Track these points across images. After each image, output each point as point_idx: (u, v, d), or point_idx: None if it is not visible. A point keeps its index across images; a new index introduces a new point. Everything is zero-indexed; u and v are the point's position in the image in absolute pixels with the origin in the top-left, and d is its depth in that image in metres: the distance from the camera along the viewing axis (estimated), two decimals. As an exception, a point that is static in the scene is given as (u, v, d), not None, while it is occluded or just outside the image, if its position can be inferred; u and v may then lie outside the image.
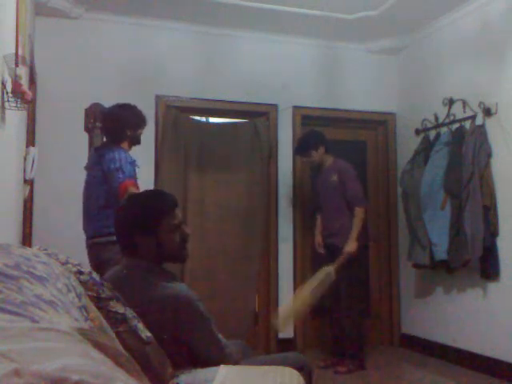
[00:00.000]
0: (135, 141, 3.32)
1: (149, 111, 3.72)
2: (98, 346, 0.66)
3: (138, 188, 3.06)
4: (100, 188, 3.14)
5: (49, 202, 4.08)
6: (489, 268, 3.86)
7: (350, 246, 4.00)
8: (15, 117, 2.53)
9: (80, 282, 1.20)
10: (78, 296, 1.01)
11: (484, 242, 3.79)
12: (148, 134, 3.97)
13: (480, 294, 4.01)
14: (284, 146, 4.80)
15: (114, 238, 2.06)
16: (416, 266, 4.50)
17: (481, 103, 4.01)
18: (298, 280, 4.72)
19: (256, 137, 4.72)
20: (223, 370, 1.76)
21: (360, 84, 5.03)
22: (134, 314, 1.50)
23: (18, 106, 2.17)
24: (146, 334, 1.50)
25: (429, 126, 4.60)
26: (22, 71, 2.40)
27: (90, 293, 1.29)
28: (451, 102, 4.34)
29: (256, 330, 4.66)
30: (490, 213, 3.83)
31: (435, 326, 4.48)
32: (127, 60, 4.43)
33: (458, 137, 4.14)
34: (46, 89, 4.13)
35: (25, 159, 3.06)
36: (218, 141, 4.66)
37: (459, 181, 3.99)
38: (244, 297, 4.56)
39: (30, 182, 3.44)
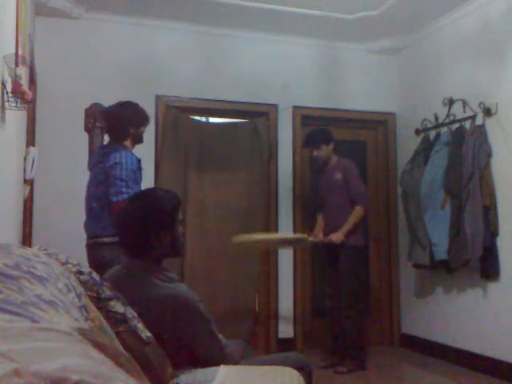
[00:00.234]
0: (138, 139, 3.31)
1: (149, 111, 3.71)
2: (98, 345, 0.66)
3: None
4: (103, 186, 3.12)
5: (49, 202, 4.08)
6: (489, 268, 3.86)
7: (336, 236, 4.04)
8: (15, 117, 2.53)
9: (80, 282, 1.20)
10: (78, 296, 1.01)
11: (484, 242, 3.79)
12: (148, 134, 3.96)
13: (480, 294, 4.01)
14: (284, 146, 4.81)
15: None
16: (416, 265, 4.50)
17: (481, 103, 4.01)
18: (298, 280, 4.73)
19: (256, 137, 4.72)
20: (223, 370, 1.76)
21: (360, 84, 5.03)
22: (134, 314, 1.50)
23: (18, 105, 2.17)
24: (145, 334, 1.50)
25: (429, 126, 4.60)
26: (22, 71, 2.40)
27: (89, 293, 1.29)
28: (451, 101, 4.34)
29: (256, 329, 4.66)
30: (490, 213, 3.83)
31: (435, 326, 4.48)
32: (127, 60, 4.43)
33: (458, 137, 4.14)
34: (46, 89, 4.13)
35: (25, 159, 3.05)
36: (218, 141, 4.66)
37: (459, 181, 3.99)
38: (244, 297, 4.56)
39: (30, 182, 3.44)
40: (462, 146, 4.06)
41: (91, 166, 3.36)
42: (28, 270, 0.88)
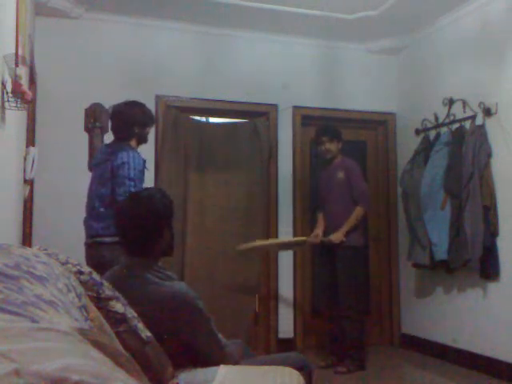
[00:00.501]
0: (143, 139, 3.30)
1: (149, 111, 3.72)
2: (98, 345, 0.66)
3: None
4: (108, 185, 3.10)
5: (49, 202, 4.08)
6: (489, 268, 3.86)
7: (336, 237, 4.05)
8: (15, 117, 2.53)
9: (80, 282, 1.20)
10: (78, 296, 1.01)
11: (484, 242, 3.79)
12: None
13: (480, 294, 4.01)
14: (284, 146, 4.81)
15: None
16: (416, 265, 4.51)
17: (481, 103, 4.01)
18: (298, 280, 4.73)
19: (256, 137, 4.72)
20: (223, 369, 1.76)
21: (360, 84, 5.03)
22: (134, 314, 1.50)
23: (18, 105, 2.17)
24: (145, 333, 1.50)
25: (429, 126, 4.60)
26: (22, 71, 2.40)
27: (89, 293, 1.29)
28: (451, 102, 4.34)
29: (256, 329, 4.66)
30: (490, 213, 3.83)
31: (435, 326, 4.48)
32: (127, 60, 4.43)
33: (458, 137, 4.14)
34: (45, 89, 4.12)
35: (25, 159, 3.05)
36: (218, 141, 4.66)
37: (459, 181, 3.99)
38: (244, 297, 4.56)
39: (30, 182, 3.44)
40: (461, 146, 4.06)
41: (95, 164, 3.33)
42: (28, 270, 0.88)
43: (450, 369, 4.13)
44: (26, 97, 2.16)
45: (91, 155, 4.24)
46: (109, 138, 4.02)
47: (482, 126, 3.99)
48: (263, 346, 4.62)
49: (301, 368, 1.93)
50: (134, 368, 0.74)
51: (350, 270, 4.07)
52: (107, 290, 1.41)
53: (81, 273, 1.33)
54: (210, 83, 4.64)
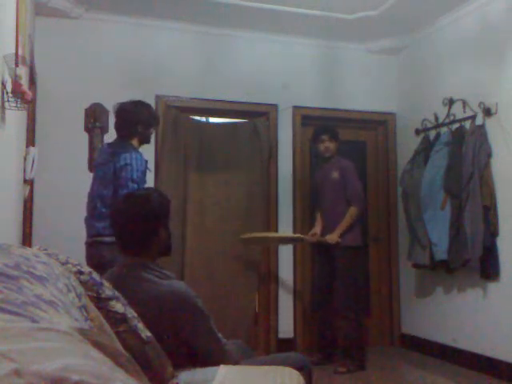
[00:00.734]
0: (145, 139, 3.30)
1: (149, 111, 3.72)
2: (98, 346, 0.66)
3: None
4: (110, 187, 3.10)
5: (49, 202, 4.08)
6: (489, 268, 3.86)
7: (331, 238, 4.10)
8: (15, 117, 2.53)
9: (80, 282, 1.20)
10: (78, 296, 1.01)
11: (484, 242, 3.79)
12: (148, 134, 3.97)
13: (480, 294, 4.01)
14: (284, 146, 4.81)
15: None
16: (416, 265, 4.51)
17: (481, 103, 4.01)
18: (298, 280, 4.73)
19: (256, 137, 4.72)
20: (223, 369, 1.76)
21: (360, 84, 5.03)
22: (134, 314, 1.50)
23: (18, 105, 2.17)
24: (145, 333, 1.50)
25: (429, 126, 4.60)
26: (22, 71, 2.40)
27: (89, 293, 1.29)
28: (451, 102, 4.34)
29: (256, 329, 4.66)
30: (490, 213, 3.83)
31: (435, 326, 4.48)
32: (127, 60, 4.43)
33: (458, 137, 4.14)
34: (45, 89, 4.13)
35: (25, 159, 3.05)
36: (217, 141, 4.66)
37: (459, 181, 3.99)
38: (244, 297, 4.56)
39: (30, 182, 3.44)
40: (461, 146, 4.06)
41: (97, 164, 3.31)
42: (28, 270, 0.88)
43: (449, 369, 4.13)
44: (26, 97, 2.16)
45: (91, 155, 4.24)
46: (109, 138, 4.02)
47: (482, 126, 3.99)
48: (263, 346, 4.62)
49: (301, 368, 1.92)
50: (134, 368, 0.74)
51: (347, 270, 4.09)
52: (107, 289, 1.41)
53: (81, 273, 1.33)
54: (210, 83, 4.64)
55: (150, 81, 4.44)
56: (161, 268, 1.97)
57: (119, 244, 2.03)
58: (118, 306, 1.42)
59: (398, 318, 4.97)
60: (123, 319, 1.43)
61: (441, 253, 4.11)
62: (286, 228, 4.72)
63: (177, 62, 4.57)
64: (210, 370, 1.78)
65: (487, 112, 3.96)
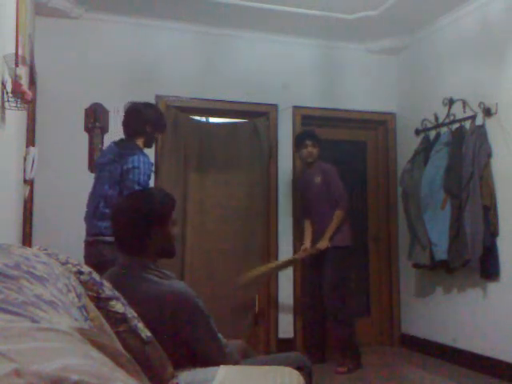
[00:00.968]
0: (149, 142, 3.29)
1: (149, 111, 3.71)
2: (98, 345, 0.66)
3: None
4: (116, 188, 3.10)
5: (49, 202, 4.08)
6: (489, 268, 3.86)
7: (321, 244, 4.12)
8: (15, 117, 2.53)
9: (80, 281, 1.20)
10: (78, 296, 1.01)
11: (484, 242, 3.80)
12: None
13: (480, 294, 4.01)
14: (284, 146, 4.81)
15: None
16: (416, 265, 4.51)
17: (481, 103, 4.01)
18: (298, 280, 4.72)
19: (256, 137, 4.72)
20: (223, 369, 1.76)
21: (360, 84, 5.03)
22: (134, 314, 1.50)
23: (18, 105, 2.17)
24: (145, 333, 1.50)
25: (429, 126, 4.60)
26: (22, 71, 2.40)
27: (89, 293, 1.29)
28: (451, 102, 4.34)
29: (256, 330, 4.66)
30: (490, 213, 3.83)
31: (435, 326, 4.48)
32: (127, 60, 4.43)
33: (458, 137, 4.14)
34: (45, 89, 4.12)
35: (25, 159, 3.05)
36: (217, 141, 4.66)
37: (459, 181, 3.99)
38: (244, 297, 4.55)
39: (29, 182, 3.44)
40: (461, 146, 4.06)
41: (100, 164, 3.28)
42: (28, 270, 0.88)
43: (449, 369, 4.13)
44: (26, 97, 2.16)
45: (91, 155, 4.24)
46: (109, 138, 4.03)
47: (482, 126, 3.99)
48: (263, 346, 4.62)
49: (301, 368, 1.92)
50: (134, 368, 0.74)
51: (335, 270, 4.11)
52: (107, 289, 1.41)
53: (81, 273, 1.33)
54: (210, 83, 4.64)
55: (150, 81, 4.44)
56: (161, 268, 1.97)
57: (116, 243, 2.04)
58: (118, 306, 1.42)
59: (397, 317, 4.97)
60: (123, 319, 1.43)
61: (441, 253, 4.11)
62: (285, 228, 4.72)
63: (177, 62, 4.57)
64: (210, 370, 1.77)
65: (487, 112, 3.96)
